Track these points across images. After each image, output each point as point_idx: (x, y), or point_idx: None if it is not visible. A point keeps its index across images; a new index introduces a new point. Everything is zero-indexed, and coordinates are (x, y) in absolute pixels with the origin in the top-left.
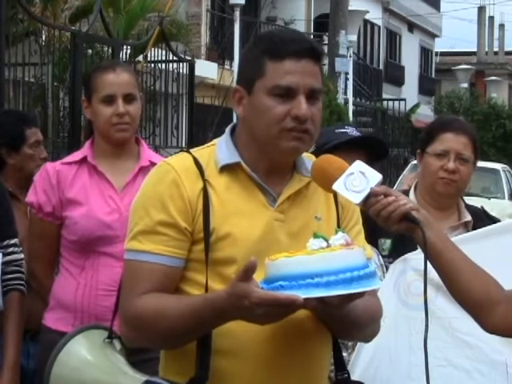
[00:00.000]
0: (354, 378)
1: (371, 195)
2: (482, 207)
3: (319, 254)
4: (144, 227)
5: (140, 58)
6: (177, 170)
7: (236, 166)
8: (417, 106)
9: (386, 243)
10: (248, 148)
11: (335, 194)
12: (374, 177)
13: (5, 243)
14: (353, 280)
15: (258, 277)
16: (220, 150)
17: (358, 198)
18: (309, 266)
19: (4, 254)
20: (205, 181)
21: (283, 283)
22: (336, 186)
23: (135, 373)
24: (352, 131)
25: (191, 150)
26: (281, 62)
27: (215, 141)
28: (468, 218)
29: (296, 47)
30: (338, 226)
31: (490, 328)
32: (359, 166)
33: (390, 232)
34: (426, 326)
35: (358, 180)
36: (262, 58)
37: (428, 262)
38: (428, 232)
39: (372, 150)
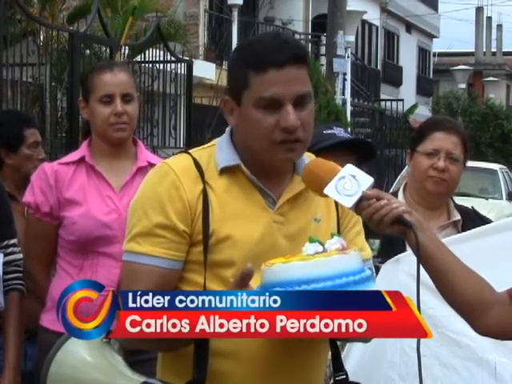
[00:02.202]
0: None
1: (363, 199)
2: (472, 207)
3: (315, 259)
4: (142, 229)
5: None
6: (176, 171)
7: (236, 168)
8: (415, 106)
9: (375, 243)
10: (246, 151)
11: None
12: (365, 180)
13: (4, 243)
14: (349, 285)
15: (256, 280)
16: (220, 151)
17: (349, 202)
18: (304, 271)
19: (4, 254)
20: (204, 183)
21: (279, 290)
22: (327, 190)
23: (133, 374)
24: (340, 132)
25: (191, 151)
26: (263, 74)
27: (215, 141)
28: (457, 217)
29: (276, 57)
30: (338, 227)
31: (483, 330)
32: (350, 169)
33: (378, 232)
34: None
35: (350, 183)
36: (245, 70)
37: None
38: (421, 235)
39: (360, 151)
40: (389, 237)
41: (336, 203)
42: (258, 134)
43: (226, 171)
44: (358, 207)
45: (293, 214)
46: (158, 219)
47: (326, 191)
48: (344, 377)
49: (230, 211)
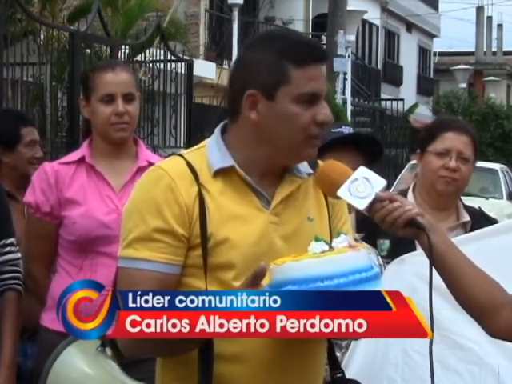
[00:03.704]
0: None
1: (376, 201)
2: (479, 208)
3: (328, 256)
4: (140, 234)
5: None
6: (171, 174)
7: (229, 169)
8: (415, 106)
9: (385, 244)
10: (246, 150)
11: (325, 195)
12: (378, 182)
13: (1, 243)
14: (361, 282)
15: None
16: (211, 152)
17: (362, 204)
18: (318, 268)
19: (1, 254)
20: (200, 185)
21: (292, 287)
22: (340, 192)
23: (132, 381)
24: (348, 130)
25: (183, 153)
26: (305, 69)
27: (205, 142)
28: (466, 218)
29: (316, 53)
30: (330, 226)
31: (494, 332)
32: (363, 171)
33: (388, 233)
34: (432, 330)
35: (363, 186)
36: (284, 64)
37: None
38: (433, 237)
39: (367, 149)
40: (399, 237)
41: (326, 203)
42: (295, 129)
43: (219, 173)
44: (371, 209)
45: (286, 213)
46: (155, 223)
47: (339, 193)
48: (341, 375)
49: (227, 213)
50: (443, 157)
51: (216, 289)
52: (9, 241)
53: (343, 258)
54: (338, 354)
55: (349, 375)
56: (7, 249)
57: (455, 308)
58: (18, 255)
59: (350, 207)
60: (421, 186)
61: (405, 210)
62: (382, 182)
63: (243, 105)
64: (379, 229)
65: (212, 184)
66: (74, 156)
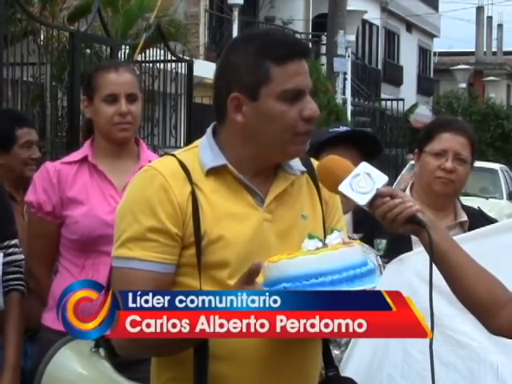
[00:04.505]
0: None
1: (377, 196)
2: (478, 208)
3: (322, 253)
4: (133, 234)
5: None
6: (164, 174)
7: (222, 168)
8: (415, 106)
9: (382, 243)
10: (236, 149)
11: (319, 192)
12: (379, 178)
13: (5, 243)
14: (356, 277)
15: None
16: (204, 152)
17: (364, 200)
18: (313, 265)
19: (5, 255)
20: (192, 184)
21: (286, 285)
22: (342, 187)
23: (127, 381)
24: (346, 129)
25: (175, 153)
26: (285, 66)
27: (197, 142)
28: (464, 217)
29: (296, 48)
30: (324, 224)
31: (496, 330)
32: (365, 167)
33: (385, 232)
34: (432, 329)
35: (364, 181)
36: (263, 63)
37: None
38: (434, 234)
39: (365, 147)
40: (396, 237)
41: (320, 200)
42: (283, 127)
43: (212, 172)
44: (372, 205)
45: (280, 211)
46: (149, 223)
47: (340, 188)
48: (335, 372)
49: (221, 212)
50: (440, 157)
51: (210, 287)
52: (13, 242)
53: (337, 255)
54: (337, 352)
55: (348, 373)
56: (11, 250)
57: (454, 305)
58: (22, 256)
59: (344, 208)
60: (418, 185)
61: (406, 206)
62: (384, 178)
63: (228, 108)
64: (376, 229)
65: (205, 183)
66: (76, 155)
